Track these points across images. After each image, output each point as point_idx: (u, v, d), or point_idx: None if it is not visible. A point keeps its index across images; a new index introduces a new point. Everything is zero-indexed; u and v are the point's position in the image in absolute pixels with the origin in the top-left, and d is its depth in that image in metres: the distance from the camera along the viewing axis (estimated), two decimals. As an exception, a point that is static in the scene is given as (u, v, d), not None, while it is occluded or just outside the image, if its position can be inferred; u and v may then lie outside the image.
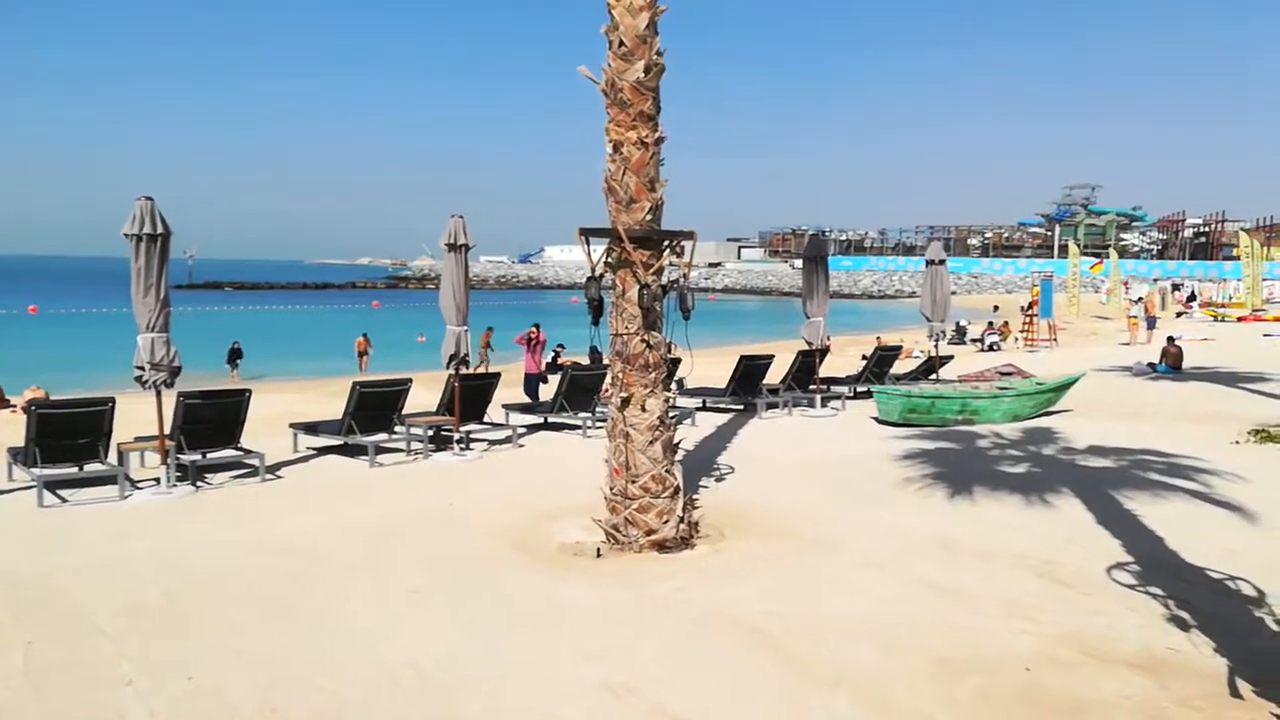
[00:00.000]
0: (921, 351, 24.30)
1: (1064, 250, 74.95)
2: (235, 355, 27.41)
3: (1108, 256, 57.46)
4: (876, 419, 14.18)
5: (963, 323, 33.62)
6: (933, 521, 8.33)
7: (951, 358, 19.70)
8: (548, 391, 16.33)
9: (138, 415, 11.22)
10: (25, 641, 5.66)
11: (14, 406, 17.39)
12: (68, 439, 9.52)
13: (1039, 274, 36.85)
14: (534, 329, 18.83)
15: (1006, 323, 33.46)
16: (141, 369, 9.43)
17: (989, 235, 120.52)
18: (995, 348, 29.46)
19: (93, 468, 9.73)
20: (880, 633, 5.75)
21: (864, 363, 18.60)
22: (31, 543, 7.86)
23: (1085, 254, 69.16)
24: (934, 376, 17.47)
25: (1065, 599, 6.33)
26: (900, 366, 19.36)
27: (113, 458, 9.88)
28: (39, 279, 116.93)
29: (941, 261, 16.97)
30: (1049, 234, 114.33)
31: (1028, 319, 31.62)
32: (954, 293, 21.71)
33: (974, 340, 31.76)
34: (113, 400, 9.83)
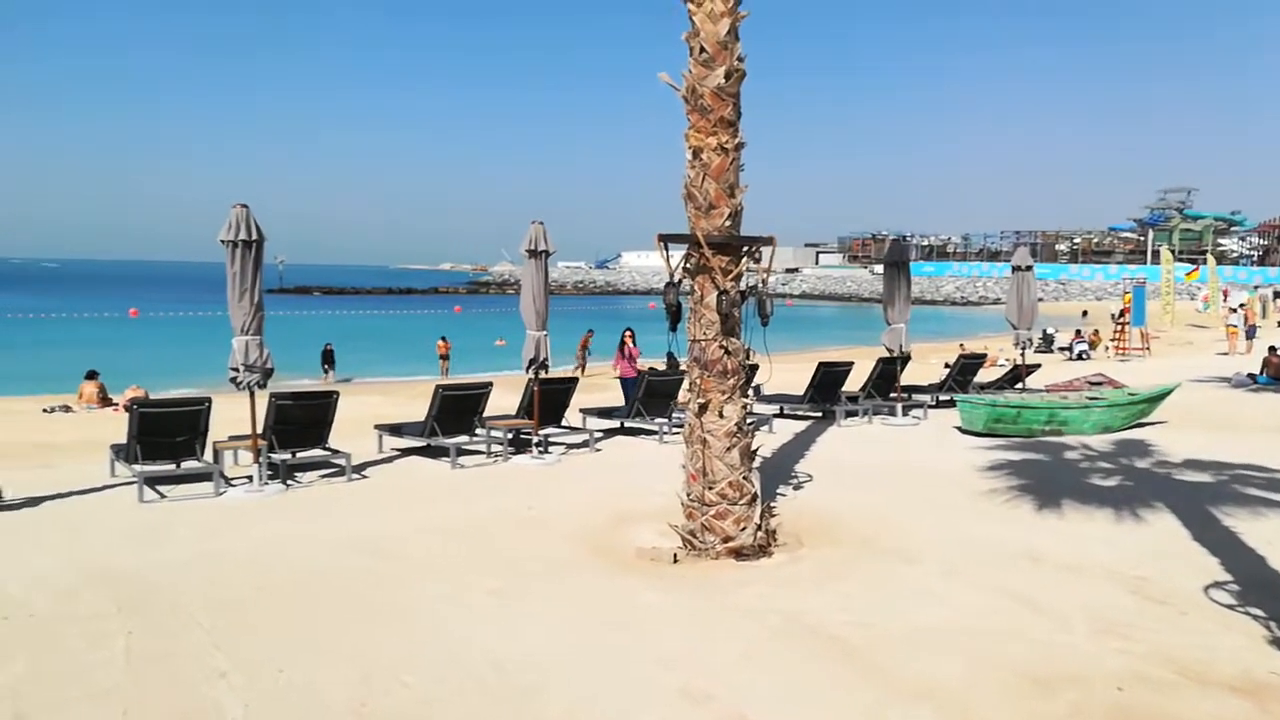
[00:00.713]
0: (1007, 360, 23.74)
1: (1157, 256, 72.32)
2: (328, 358, 27.98)
3: (1204, 262, 55.20)
4: (960, 429, 13.89)
5: (1050, 330, 32.74)
6: (1019, 534, 8.12)
7: (1038, 366, 19.19)
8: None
9: (231, 415, 11.63)
10: (126, 631, 5.91)
11: (116, 405, 18.21)
12: (166, 437, 9.91)
13: (1131, 280, 35.58)
14: (628, 333, 18.60)
15: (1097, 331, 32.44)
16: (236, 370, 9.78)
17: (1078, 240, 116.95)
18: (1085, 356, 28.59)
19: (189, 465, 10.10)
20: (964, 645, 5.64)
21: (947, 371, 18.24)
22: (132, 536, 8.20)
23: (1180, 260, 66.63)
24: (1020, 385, 17.04)
25: (1159, 617, 6.11)
26: (985, 375, 18.93)
27: (208, 455, 10.25)
28: (138, 283, 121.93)
29: (1028, 267, 16.56)
30: (1141, 239, 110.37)
31: (1119, 327, 30.60)
32: (1041, 299, 21.12)
33: (1062, 348, 30.91)
34: (209, 400, 10.21)
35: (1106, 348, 30.78)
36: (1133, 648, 5.58)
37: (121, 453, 10.16)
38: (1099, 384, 16.94)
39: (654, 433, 13.60)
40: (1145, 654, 5.48)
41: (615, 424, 14.20)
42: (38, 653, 5.55)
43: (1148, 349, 29.67)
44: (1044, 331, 31.53)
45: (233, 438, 10.73)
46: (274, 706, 4.90)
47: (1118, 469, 10.90)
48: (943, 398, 16.88)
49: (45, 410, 17.79)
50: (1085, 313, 53.82)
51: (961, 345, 30.26)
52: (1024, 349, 16.86)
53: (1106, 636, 5.77)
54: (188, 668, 5.38)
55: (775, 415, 15.14)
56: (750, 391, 8.88)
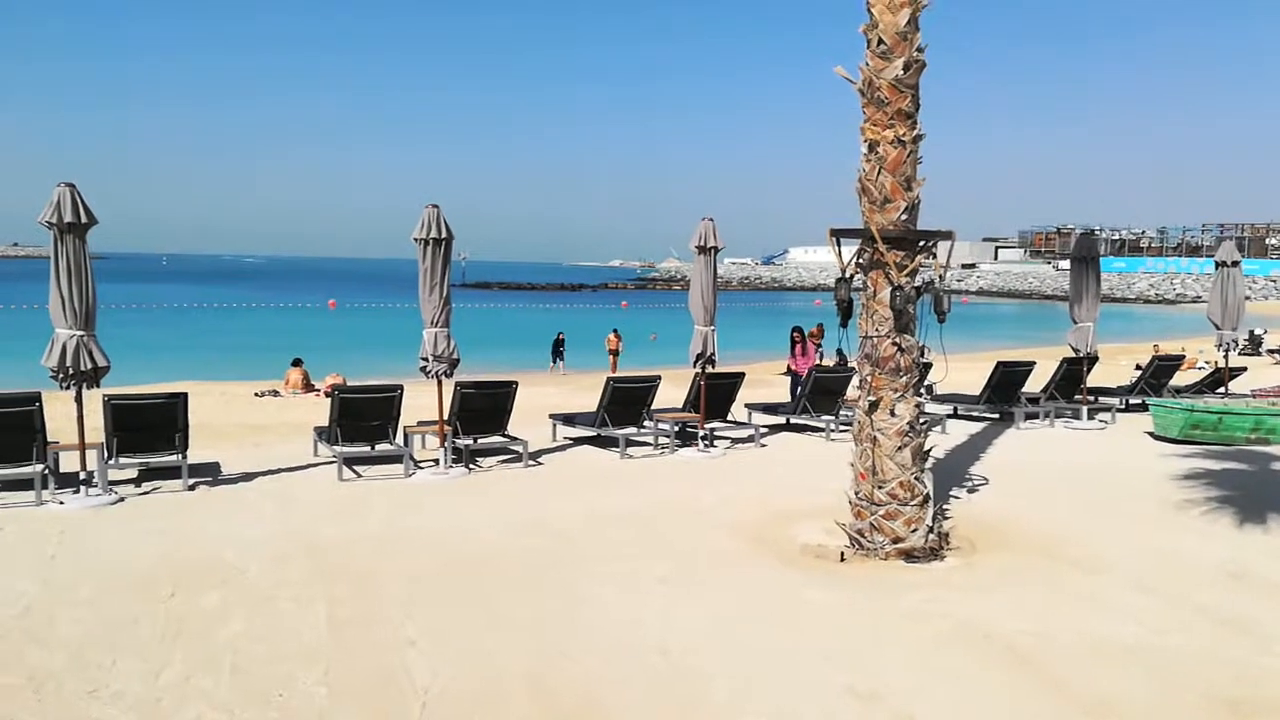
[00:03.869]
0: (1207, 362, 22.12)
1: (1392, 250, 65.03)
2: (558, 348, 28.50)
3: None
4: (1152, 434, 13.06)
5: (1258, 331, 30.20)
6: (1217, 548, 7.60)
7: (1244, 370, 17.73)
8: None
9: (419, 402, 12.35)
10: (328, 598, 6.42)
11: (318, 390, 19.60)
12: (363, 421, 10.64)
13: (1358, 277, 32.28)
14: (797, 332, 18.05)
15: (1315, 332, 29.60)
16: (425, 360, 10.40)
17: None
18: (1299, 360, 26.17)
19: (383, 447, 10.79)
20: (1152, 662, 5.36)
21: (1138, 373, 17.15)
22: (332, 511, 8.87)
23: None
24: (1222, 390, 15.83)
25: (1381, 646, 5.59)
26: (1182, 378, 17.68)
27: (399, 439, 10.93)
28: (337, 279, 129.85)
29: (1234, 263, 15.36)
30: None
31: (1342, 328, 27.84)
32: (1248, 297, 19.48)
33: (1271, 351, 28.41)
34: (401, 387, 10.89)
35: (1326, 351, 28.05)
36: (1348, 676, 5.15)
37: (323, 434, 11.00)
38: (1316, 390, 15.55)
39: (820, 430, 13.47)
40: (1362, 684, 5.05)
41: (781, 420, 14.16)
42: (252, 614, 6.12)
43: (1376, 353, 26.85)
44: (1251, 332, 29.13)
45: (421, 423, 11.41)
46: (457, 674, 5.23)
47: (1336, 483, 9.98)
48: (1133, 401, 15.94)
49: (256, 394, 19.34)
50: (1301, 312, 49.23)
51: (1156, 346, 28.31)
52: (1228, 351, 15.70)
53: (1317, 662, 5.34)
54: (381, 633, 5.81)
55: (949, 416, 14.68)
56: (923, 390, 8.69)
